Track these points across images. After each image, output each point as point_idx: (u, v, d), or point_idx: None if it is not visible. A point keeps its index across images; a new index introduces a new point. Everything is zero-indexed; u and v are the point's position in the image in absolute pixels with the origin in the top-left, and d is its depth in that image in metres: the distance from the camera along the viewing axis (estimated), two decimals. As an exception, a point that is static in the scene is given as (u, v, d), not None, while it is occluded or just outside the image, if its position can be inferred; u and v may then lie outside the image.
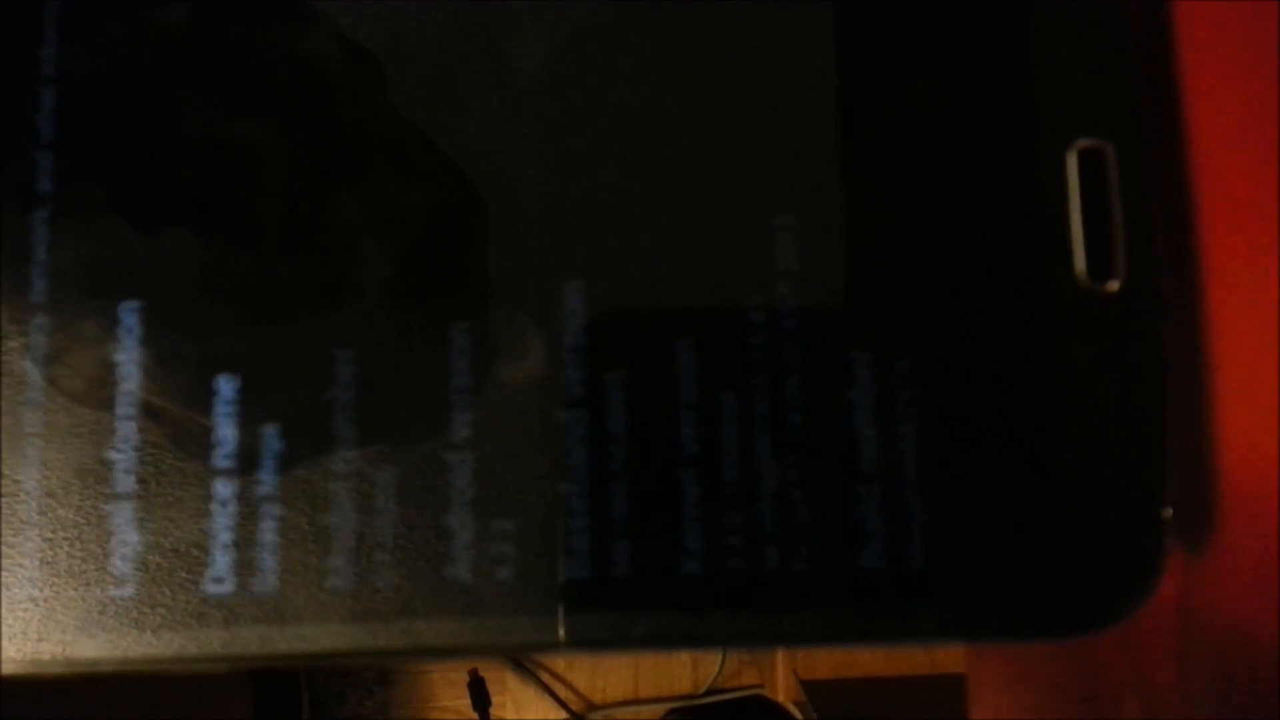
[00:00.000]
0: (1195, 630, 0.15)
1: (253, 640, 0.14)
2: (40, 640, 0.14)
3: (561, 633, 0.14)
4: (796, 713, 0.68)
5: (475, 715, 0.80)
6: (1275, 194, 0.14)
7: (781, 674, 0.75)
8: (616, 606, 0.15)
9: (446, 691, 0.84)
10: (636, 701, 0.83)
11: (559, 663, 0.83)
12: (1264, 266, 0.14)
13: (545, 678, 0.83)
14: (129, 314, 0.15)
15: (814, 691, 0.66)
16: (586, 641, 0.14)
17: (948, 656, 0.50)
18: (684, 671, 0.83)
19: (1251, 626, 0.15)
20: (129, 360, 0.15)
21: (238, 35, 0.15)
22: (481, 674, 0.80)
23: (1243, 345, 0.15)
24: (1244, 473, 0.15)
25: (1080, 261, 0.15)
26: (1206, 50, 0.15)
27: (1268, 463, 0.14)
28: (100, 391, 0.15)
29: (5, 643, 0.14)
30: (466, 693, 0.80)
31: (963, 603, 0.15)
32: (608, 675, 0.84)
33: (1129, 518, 0.14)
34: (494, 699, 0.81)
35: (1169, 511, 0.14)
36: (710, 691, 0.81)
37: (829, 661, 0.67)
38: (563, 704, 0.83)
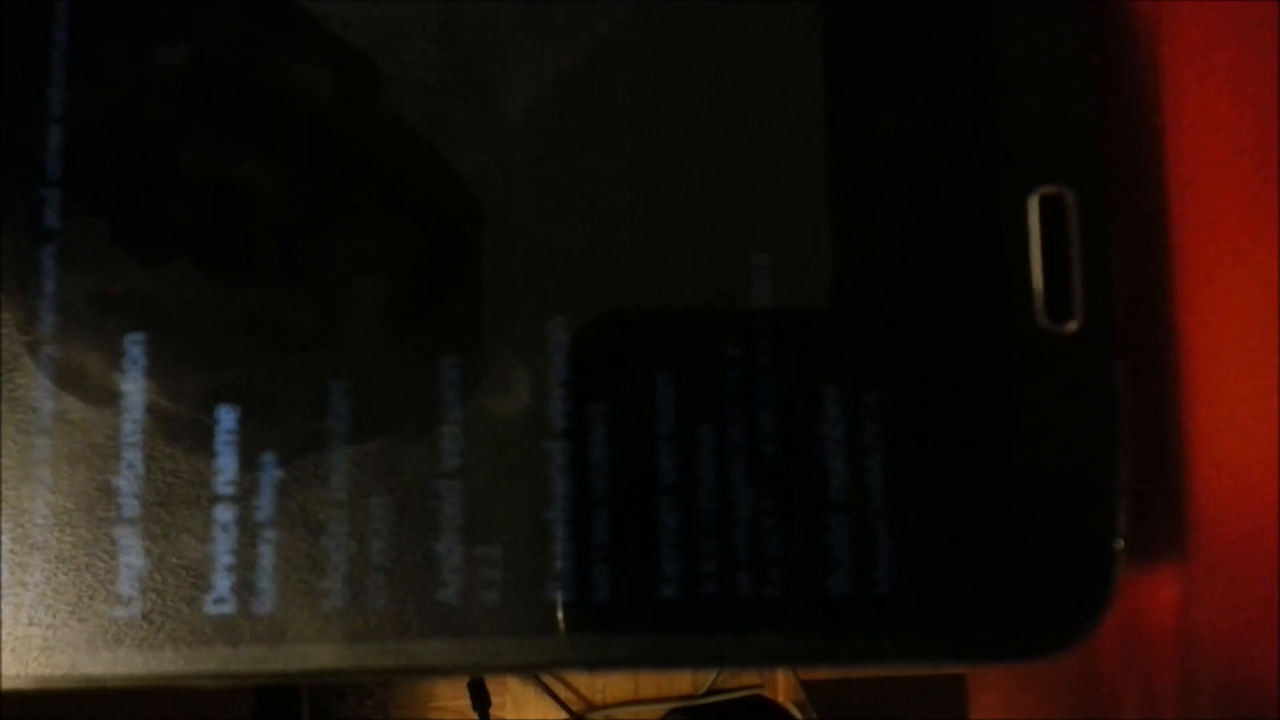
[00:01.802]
0: (1195, 632, 0.16)
1: (252, 659, 0.15)
2: (48, 657, 0.15)
3: (545, 654, 0.15)
4: (796, 712, 0.68)
5: (475, 715, 0.79)
6: (1256, 229, 0.15)
7: (781, 674, 0.75)
8: (598, 629, 0.15)
9: (446, 691, 0.83)
10: (636, 702, 0.83)
11: (559, 663, 0.83)
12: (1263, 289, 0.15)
13: (545, 678, 0.82)
14: (134, 346, 0.15)
15: (814, 691, 0.65)
16: (569, 662, 0.15)
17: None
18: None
19: (1250, 630, 0.15)
20: (134, 390, 0.15)
21: (236, 75, 0.16)
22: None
23: (1242, 367, 0.15)
24: (1243, 480, 0.15)
25: (1040, 303, 0.15)
26: (1188, 91, 0.16)
27: (1267, 471, 0.15)
28: (106, 421, 0.15)
29: (13, 658, 0.15)
30: (466, 693, 0.79)
31: (925, 628, 0.15)
32: (607, 676, 0.83)
33: (1083, 548, 0.15)
34: (494, 699, 0.80)
35: (1120, 543, 0.15)
36: (710, 692, 0.81)
37: (829, 661, 0.67)
38: (563, 704, 0.82)
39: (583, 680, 0.83)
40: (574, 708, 0.83)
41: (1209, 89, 0.16)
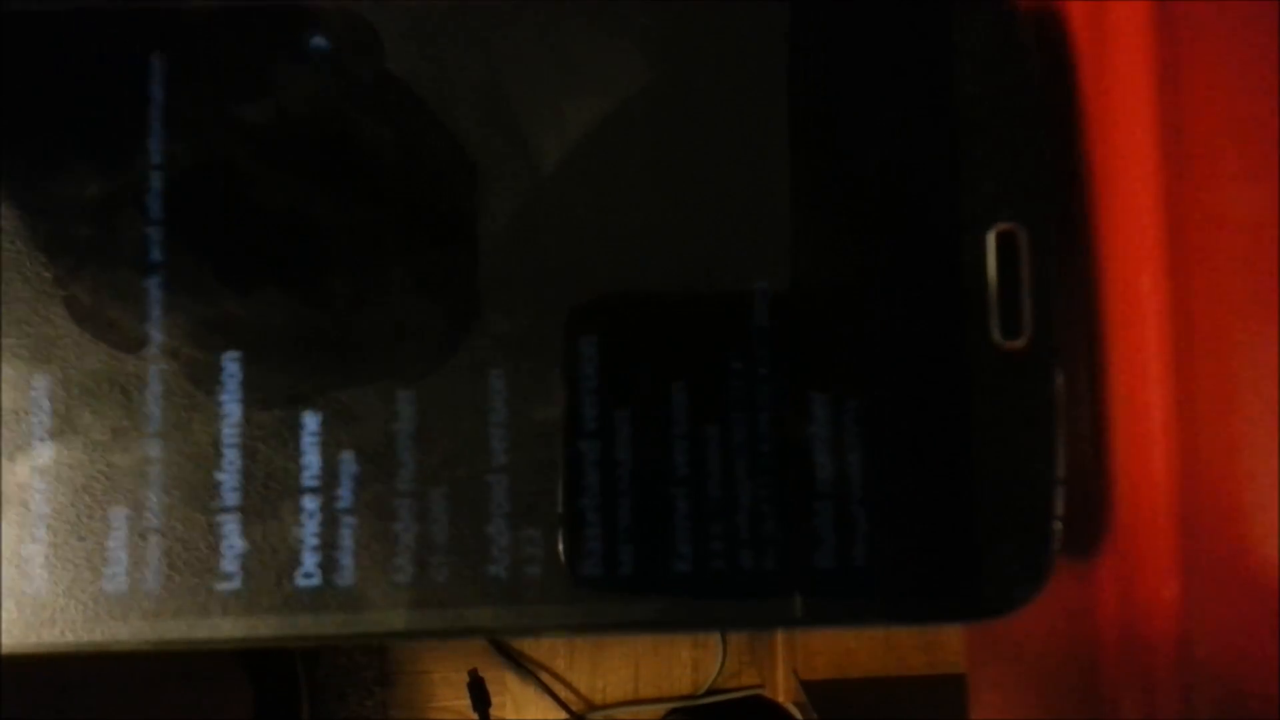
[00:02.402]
0: (1195, 632, 0.16)
1: (335, 624, 0.16)
2: (164, 622, 0.16)
3: (579, 617, 0.16)
4: (796, 713, 0.65)
5: (475, 715, 0.76)
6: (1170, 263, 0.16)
7: (781, 674, 0.70)
8: (622, 597, 0.16)
9: (446, 691, 0.80)
10: (637, 702, 0.80)
11: (559, 662, 0.80)
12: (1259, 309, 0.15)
13: (545, 678, 0.79)
14: (230, 362, 0.16)
15: (814, 691, 0.61)
16: (598, 625, 0.16)
17: (947, 657, 0.49)
18: (684, 672, 0.79)
19: (1250, 630, 0.15)
20: (231, 400, 0.16)
21: (311, 128, 0.17)
22: (481, 674, 0.77)
23: (1244, 374, 0.16)
24: (1246, 486, 0.15)
25: (995, 323, 0.17)
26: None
27: (1267, 472, 0.15)
28: (209, 426, 0.16)
29: (136, 623, 0.16)
30: (466, 693, 0.76)
31: (896, 595, 0.17)
32: (608, 675, 0.80)
33: (1028, 529, 0.16)
34: (494, 699, 0.77)
35: (1059, 525, 0.16)
36: (710, 692, 0.78)
37: (829, 662, 0.62)
38: (563, 704, 0.79)
39: (583, 680, 0.79)
40: (574, 708, 0.80)
41: (1207, 87, 0.16)
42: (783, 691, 0.71)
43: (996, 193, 0.17)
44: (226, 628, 0.16)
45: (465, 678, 0.78)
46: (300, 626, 0.16)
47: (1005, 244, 0.17)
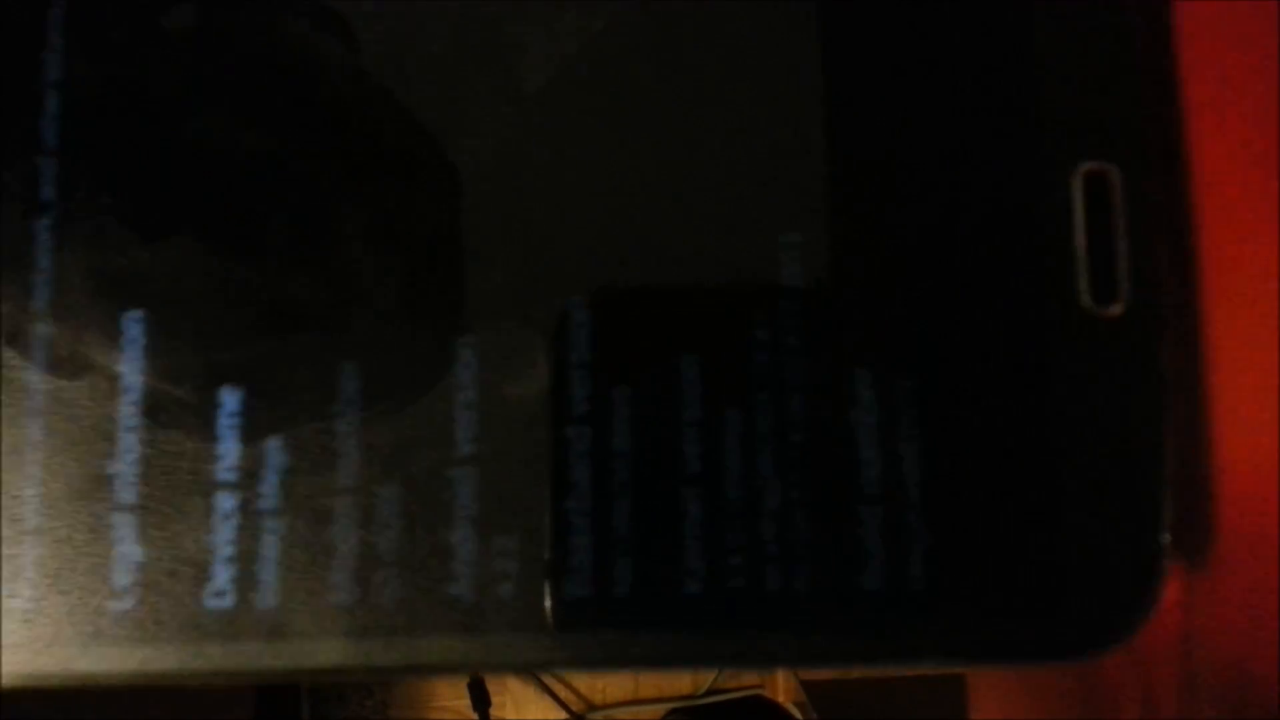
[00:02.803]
0: (1195, 632, 0.16)
1: (252, 655, 0.15)
2: (39, 652, 0.15)
3: (563, 652, 0.15)
4: (796, 713, 0.69)
5: (475, 715, 0.81)
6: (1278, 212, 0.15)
7: (781, 674, 0.76)
8: (617, 626, 0.15)
9: (446, 691, 0.85)
10: (636, 702, 0.85)
11: (559, 663, 0.85)
12: (1268, 288, 0.15)
13: (545, 678, 0.84)
14: (132, 324, 0.15)
15: (814, 691, 0.67)
16: (586, 661, 0.15)
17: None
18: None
19: (1251, 630, 0.15)
20: (132, 371, 0.15)
21: (245, 43, 0.15)
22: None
23: (1245, 366, 0.15)
24: (1248, 485, 0.15)
25: (1084, 284, 0.15)
26: (1210, 65, 0.16)
27: (1269, 474, 0.15)
28: (102, 402, 0.15)
29: (5, 654, 0.14)
30: (466, 693, 0.81)
31: (963, 627, 0.15)
32: (608, 676, 0.85)
33: (1128, 542, 0.15)
34: (494, 699, 0.82)
35: (1168, 537, 0.15)
36: (710, 692, 0.83)
37: (829, 663, 0.69)
38: (563, 704, 0.84)
39: (583, 680, 0.85)
40: (574, 708, 0.85)
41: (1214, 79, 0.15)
42: (783, 691, 0.76)
43: (1083, 126, 0.15)
44: (113, 659, 0.15)
45: (465, 677, 0.80)
46: (208, 659, 0.14)
47: (1095, 187, 0.15)
